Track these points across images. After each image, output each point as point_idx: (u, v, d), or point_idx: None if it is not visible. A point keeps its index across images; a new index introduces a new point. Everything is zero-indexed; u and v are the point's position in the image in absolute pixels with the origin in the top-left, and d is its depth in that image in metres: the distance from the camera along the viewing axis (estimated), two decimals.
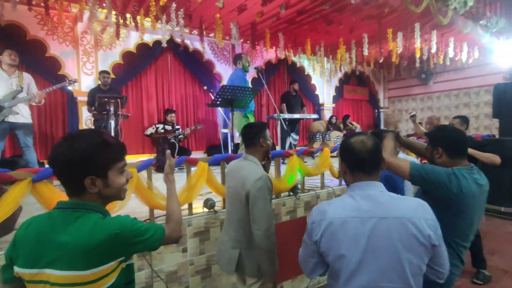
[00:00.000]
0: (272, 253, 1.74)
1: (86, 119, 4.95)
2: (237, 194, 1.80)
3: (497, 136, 5.87)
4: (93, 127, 4.72)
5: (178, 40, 5.30)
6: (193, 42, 6.06)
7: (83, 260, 0.87)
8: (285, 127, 3.85)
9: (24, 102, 3.79)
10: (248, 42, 5.96)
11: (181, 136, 5.61)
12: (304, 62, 7.66)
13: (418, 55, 6.40)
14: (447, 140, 1.59)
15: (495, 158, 2.79)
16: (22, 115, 3.80)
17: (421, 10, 4.59)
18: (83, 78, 5.04)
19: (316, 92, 8.05)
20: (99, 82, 4.68)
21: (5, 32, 4.49)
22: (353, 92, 9.06)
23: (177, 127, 5.71)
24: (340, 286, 1.09)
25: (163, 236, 1.06)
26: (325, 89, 8.20)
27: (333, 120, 7.63)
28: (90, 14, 4.29)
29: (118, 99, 3.85)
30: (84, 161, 0.91)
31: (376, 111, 9.78)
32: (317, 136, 7.22)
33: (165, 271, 2.26)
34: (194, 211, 2.50)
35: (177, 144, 5.45)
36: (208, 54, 6.37)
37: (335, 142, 6.89)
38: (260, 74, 3.91)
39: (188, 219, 2.40)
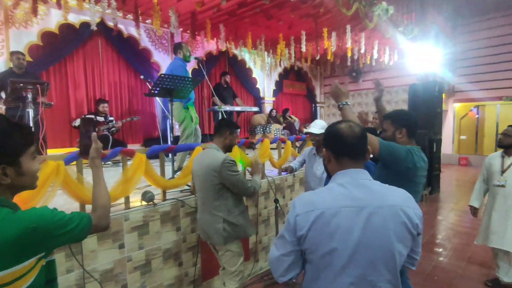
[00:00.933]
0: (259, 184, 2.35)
1: None
2: (209, 180, 2.11)
3: None
4: None
5: (110, 24, 4.88)
6: (127, 27, 5.64)
7: None
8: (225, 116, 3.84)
9: None
10: (188, 31, 5.77)
11: (113, 128, 5.21)
12: (246, 55, 7.73)
13: (349, 54, 6.97)
14: (411, 123, 1.82)
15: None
16: None
17: (351, 13, 4.99)
18: None
19: (257, 86, 8.21)
20: (11, 65, 4.06)
21: None
22: (292, 87, 9.46)
23: (110, 118, 5.28)
24: (324, 285, 1.00)
25: (90, 225, 0.99)
26: (265, 83, 8.41)
27: (273, 114, 7.89)
28: None
29: (38, 85, 3.39)
30: None
31: (313, 105, 10.38)
32: (258, 129, 7.40)
33: (100, 270, 2.11)
34: (131, 205, 2.37)
35: (110, 137, 5.05)
36: (145, 42, 6.01)
37: (275, 134, 7.14)
38: (200, 65, 3.81)
39: (125, 213, 2.26)
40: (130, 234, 2.28)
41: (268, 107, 8.34)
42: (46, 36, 4.87)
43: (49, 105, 3.88)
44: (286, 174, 3.76)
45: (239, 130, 2.32)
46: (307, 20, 5.75)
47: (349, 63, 7.63)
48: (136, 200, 2.44)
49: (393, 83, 9.30)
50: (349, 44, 6.07)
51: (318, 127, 2.79)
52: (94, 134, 1.26)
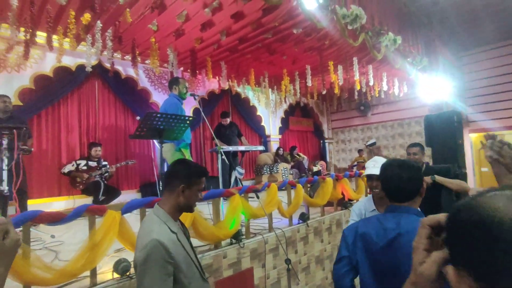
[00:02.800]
0: None
1: None
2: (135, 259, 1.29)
3: (431, 164, 6.19)
4: None
5: (107, 65, 4.69)
6: (126, 68, 5.46)
7: None
8: (226, 161, 3.38)
9: None
10: (189, 70, 5.57)
11: (107, 173, 4.78)
12: (249, 93, 7.49)
13: (358, 87, 6.66)
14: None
15: (465, 185, 2.68)
16: None
17: (358, 44, 4.72)
18: None
19: (262, 124, 7.87)
20: None
21: None
22: (299, 124, 9.11)
23: (104, 163, 4.88)
24: None
25: None
26: (270, 120, 8.07)
27: (280, 152, 7.43)
28: None
29: (14, 130, 3.03)
30: None
31: (321, 142, 9.94)
32: (265, 169, 6.89)
33: None
34: (100, 278, 1.83)
35: (102, 183, 4.59)
36: (144, 82, 5.80)
37: (283, 174, 6.62)
38: (196, 101, 3.45)
39: None
40: None
41: (274, 145, 7.91)
42: (40, 79, 4.67)
43: (28, 151, 3.50)
44: (300, 223, 3.19)
45: (204, 178, 1.47)
46: (312, 54, 5.52)
47: (356, 97, 7.30)
48: (106, 271, 1.90)
49: (404, 115, 8.89)
50: (357, 77, 5.75)
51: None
52: (1, 219, 0.70)
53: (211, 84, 6.68)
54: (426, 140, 6.31)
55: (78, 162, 4.68)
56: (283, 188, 3.11)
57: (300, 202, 3.13)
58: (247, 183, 6.94)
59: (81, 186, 4.58)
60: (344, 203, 3.80)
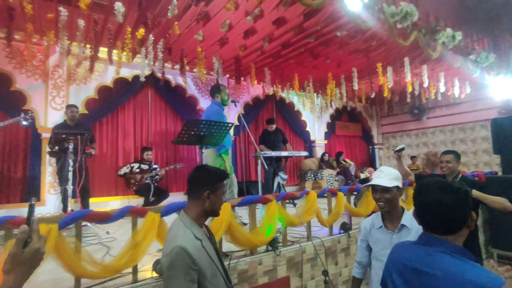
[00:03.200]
0: None
1: (50, 158, 4.46)
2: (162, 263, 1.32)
3: (499, 173, 5.47)
4: (55, 167, 4.23)
5: (159, 74, 5.04)
6: (175, 77, 5.81)
7: None
8: (265, 166, 3.39)
9: None
10: (233, 77, 5.73)
11: (157, 176, 5.11)
12: (294, 97, 7.44)
13: (410, 89, 6.21)
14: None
15: (507, 204, 2.31)
16: None
17: (409, 43, 4.40)
18: (51, 113, 4.65)
19: (307, 129, 7.73)
20: (66, 117, 4.27)
21: None
22: (346, 128, 8.77)
23: (154, 166, 5.23)
24: None
25: None
26: (316, 125, 7.90)
27: (326, 158, 7.21)
28: (60, 47, 4.01)
29: (79, 136, 3.41)
30: None
31: (371, 147, 9.43)
32: (309, 175, 6.75)
33: None
34: (141, 275, 1.95)
35: (152, 185, 4.93)
36: (192, 89, 6.11)
37: (327, 181, 6.41)
38: (236, 107, 3.52)
39: None
40: None
41: (319, 151, 7.71)
42: (102, 90, 5.18)
43: (89, 154, 3.89)
44: (341, 233, 3.05)
45: (225, 181, 1.49)
46: (358, 56, 5.29)
47: (409, 100, 6.79)
48: (147, 270, 2.02)
49: (466, 119, 8.02)
50: (408, 78, 5.36)
51: (388, 177, 1.67)
52: (23, 227, 0.74)
53: (256, 90, 6.78)
54: (494, 146, 5.61)
55: (132, 165, 5.08)
56: (324, 195, 3.01)
57: (341, 211, 2.99)
58: (290, 189, 6.87)
59: (134, 187, 4.95)
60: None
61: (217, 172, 1.47)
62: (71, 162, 3.42)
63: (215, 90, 3.58)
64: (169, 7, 3.36)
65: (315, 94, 6.89)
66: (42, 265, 1.58)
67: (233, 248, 2.45)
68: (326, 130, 8.09)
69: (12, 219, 1.59)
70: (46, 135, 4.49)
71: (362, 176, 7.38)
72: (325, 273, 2.37)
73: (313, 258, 2.70)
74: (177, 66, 5.42)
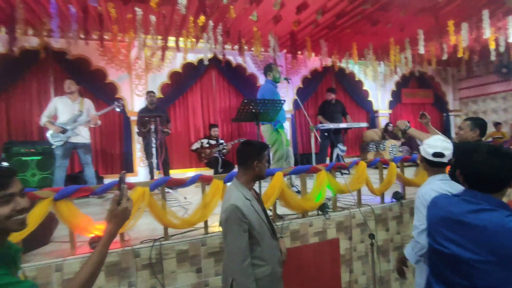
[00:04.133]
0: None
1: (138, 137, 5.36)
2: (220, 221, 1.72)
3: None
4: (142, 144, 5.10)
5: (221, 56, 5.46)
6: (236, 57, 6.17)
7: None
8: (318, 138, 3.57)
9: (84, 124, 4.27)
10: (290, 52, 5.83)
11: (224, 150, 5.70)
12: (355, 67, 7.18)
13: (492, 46, 5.48)
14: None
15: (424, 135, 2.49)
16: (82, 136, 4.28)
17: None
18: (136, 100, 5.52)
19: (369, 98, 7.45)
20: (147, 102, 5.04)
21: (74, 65, 5.18)
22: (414, 96, 8.12)
23: (221, 141, 5.82)
24: None
25: None
26: (379, 94, 7.54)
27: (390, 128, 6.92)
28: (138, 42, 4.68)
29: (157, 117, 4.08)
30: None
31: (445, 115, 8.59)
32: (370, 146, 6.63)
33: None
34: (210, 229, 2.44)
35: (220, 158, 5.54)
36: (251, 68, 6.42)
37: (390, 152, 6.22)
38: (289, 84, 3.72)
39: (203, 238, 2.34)
40: (207, 260, 2.33)
41: (383, 121, 7.41)
42: (173, 75, 5.87)
43: (167, 133, 4.58)
44: (393, 202, 3.14)
45: (267, 149, 1.83)
46: (424, 16, 4.86)
47: (493, 58, 5.97)
48: (215, 225, 2.50)
49: None
50: (488, 34, 4.75)
51: (437, 147, 1.72)
52: (116, 192, 1.08)
53: (314, 62, 6.76)
54: None
55: (202, 140, 5.74)
56: (373, 166, 3.10)
57: (392, 181, 3.05)
58: (350, 160, 6.86)
59: (205, 161, 5.64)
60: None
61: (261, 145, 1.79)
62: (153, 140, 4.13)
63: (267, 69, 3.83)
64: None
65: (377, 62, 6.56)
66: (142, 217, 2.16)
67: (287, 212, 2.79)
68: (391, 98, 7.65)
69: (116, 184, 2.19)
70: (133, 118, 5.39)
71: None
72: (371, 236, 2.57)
73: (362, 223, 2.89)
74: (236, 47, 5.78)
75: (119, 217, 1.07)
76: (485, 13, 4.63)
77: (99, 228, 2.12)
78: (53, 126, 4.05)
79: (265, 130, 3.65)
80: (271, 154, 3.81)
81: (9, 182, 0.91)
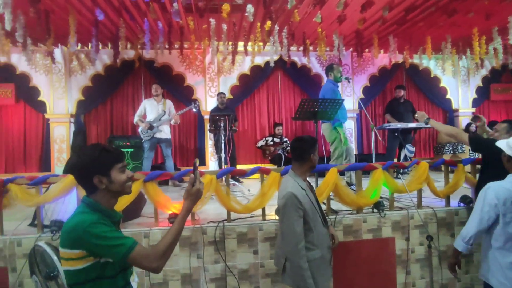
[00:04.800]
0: (305, 270, 1.75)
1: (210, 134, 5.97)
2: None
3: None
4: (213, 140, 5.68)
5: (286, 58, 5.70)
6: (301, 58, 6.34)
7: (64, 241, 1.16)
8: (379, 137, 3.53)
9: (166, 122, 5.00)
10: (358, 49, 5.74)
11: (288, 148, 5.93)
12: (430, 62, 6.65)
13: None
14: None
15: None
16: (165, 132, 5.01)
17: None
18: (209, 100, 6.14)
19: (448, 96, 6.79)
20: (217, 103, 5.59)
21: (160, 71, 6.05)
22: (507, 92, 7.07)
23: (285, 139, 6.07)
24: None
25: (128, 251, 1.13)
26: (460, 91, 6.80)
27: (473, 128, 6.20)
28: (212, 48, 5.23)
29: (226, 116, 4.53)
30: (87, 164, 1.19)
31: None
32: (446, 148, 6.06)
33: (238, 268, 2.55)
34: (267, 217, 2.71)
35: (283, 155, 5.79)
36: (316, 68, 6.50)
37: (471, 154, 5.60)
38: (350, 83, 3.74)
39: (260, 224, 2.62)
40: (263, 243, 2.60)
41: (464, 120, 6.68)
42: (242, 77, 6.34)
43: (234, 130, 5.03)
44: (460, 206, 2.96)
45: (317, 141, 2.05)
46: None
47: None
48: (271, 214, 2.76)
49: None
50: None
51: None
52: (191, 175, 1.31)
53: (382, 60, 6.50)
54: None
55: (267, 138, 6.08)
56: (437, 167, 2.96)
57: (460, 184, 2.86)
58: None
59: (269, 157, 5.96)
60: None
61: (312, 139, 2.02)
62: (222, 137, 4.61)
63: (328, 69, 3.92)
64: (288, 0, 3.88)
65: (457, 56, 5.97)
66: (210, 203, 2.55)
67: (343, 208, 2.89)
68: (476, 96, 6.82)
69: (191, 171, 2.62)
70: (206, 116, 6.02)
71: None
72: (429, 238, 2.52)
73: (422, 225, 2.81)
74: (301, 48, 5.94)
75: (194, 195, 1.30)
76: None
77: (176, 207, 2.58)
78: (143, 123, 4.84)
79: (324, 128, 3.77)
80: (331, 152, 3.90)
81: (123, 157, 1.29)
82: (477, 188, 2.53)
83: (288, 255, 1.82)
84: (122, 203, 2.46)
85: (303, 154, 1.96)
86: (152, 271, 1.19)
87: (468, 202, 2.90)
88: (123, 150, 5.08)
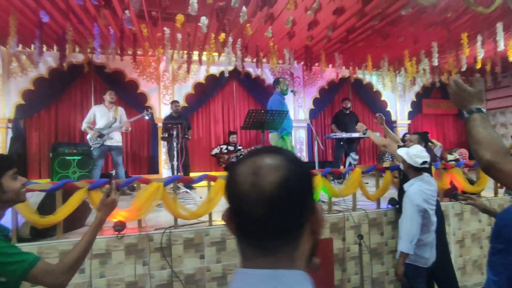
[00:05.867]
0: None
1: (163, 142, 5.92)
2: None
3: None
4: (166, 148, 5.64)
5: (241, 69, 5.90)
6: (255, 69, 6.58)
7: None
8: (322, 146, 3.84)
9: (117, 130, 4.88)
10: (307, 64, 6.13)
11: (241, 156, 6.09)
12: (372, 78, 7.31)
13: (511, 58, 5.42)
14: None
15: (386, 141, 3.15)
16: (116, 139, 4.88)
17: (491, 11, 3.98)
18: (163, 108, 6.11)
19: (388, 109, 7.51)
20: (171, 111, 5.59)
21: (111, 77, 5.89)
22: (435, 106, 8.02)
23: (239, 147, 6.23)
24: None
25: (30, 266, 1.04)
26: (398, 105, 7.57)
27: (407, 138, 6.92)
28: (166, 56, 5.25)
29: (179, 124, 4.57)
30: None
31: None
32: (386, 156, 6.68)
33: (184, 273, 2.61)
34: (213, 223, 2.81)
35: None
36: (270, 79, 6.78)
37: None
38: (295, 96, 4.03)
39: (207, 229, 2.72)
40: (210, 248, 2.69)
41: (401, 131, 7.41)
42: (197, 86, 6.41)
43: (187, 138, 5.07)
44: (388, 208, 3.33)
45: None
46: (437, 30, 4.96)
47: None
48: (218, 220, 2.87)
49: None
50: (501, 47, 4.75)
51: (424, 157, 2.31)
52: (107, 186, 1.29)
53: (331, 74, 7.00)
54: None
55: (221, 146, 6.19)
56: (370, 173, 3.32)
57: (387, 188, 3.24)
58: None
59: (223, 165, 6.07)
60: (454, 195, 3.52)
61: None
62: (175, 145, 4.62)
63: (275, 83, 4.18)
64: (240, 14, 4.09)
65: (394, 73, 6.66)
66: (159, 210, 2.58)
67: None
68: (411, 109, 7.65)
69: (139, 179, 2.64)
70: (160, 124, 5.97)
71: (450, 157, 6.79)
72: (360, 237, 2.82)
73: (356, 226, 3.11)
74: (255, 60, 6.20)
75: (108, 206, 1.27)
76: (499, 26, 4.65)
77: (122, 214, 2.57)
78: (92, 130, 4.68)
79: (272, 137, 4.00)
80: None
81: (13, 163, 1.20)
82: (400, 190, 2.90)
83: None
84: (64, 212, 2.41)
85: None
86: None
87: (395, 204, 3.28)
88: (69, 158, 4.92)
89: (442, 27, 4.88)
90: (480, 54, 5.11)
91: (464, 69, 5.92)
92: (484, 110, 1.06)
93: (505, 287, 0.93)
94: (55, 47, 5.27)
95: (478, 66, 5.65)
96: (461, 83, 1.09)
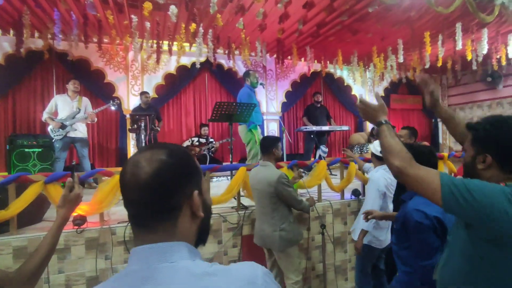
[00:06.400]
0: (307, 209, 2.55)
1: (133, 134, 5.75)
2: (265, 192, 2.41)
3: None
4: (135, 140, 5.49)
5: (212, 60, 5.81)
6: (227, 61, 6.52)
7: None
8: (290, 140, 3.91)
9: (81, 121, 4.67)
10: (279, 57, 6.16)
11: (213, 148, 6.06)
12: (343, 72, 7.49)
13: (469, 57, 5.75)
14: (504, 144, 1.05)
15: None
16: (80, 131, 4.68)
17: (451, 10, 4.19)
18: (132, 99, 5.91)
19: (358, 103, 7.74)
20: (140, 102, 5.43)
21: (75, 65, 5.59)
22: (402, 102, 8.39)
23: (210, 140, 6.18)
24: None
25: None
26: (367, 99, 7.77)
27: (375, 131, 7.20)
28: (134, 45, 5.05)
29: (147, 116, 4.46)
30: None
31: (434, 120, 8.83)
32: (356, 148, 6.92)
33: (86, 276, 2.55)
34: None
35: (208, 156, 5.90)
36: (242, 71, 6.72)
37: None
38: (264, 88, 4.05)
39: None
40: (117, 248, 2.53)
41: (370, 125, 7.69)
42: (168, 77, 6.24)
43: (156, 130, 4.97)
44: (351, 198, 3.47)
45: (280, 140, 2.66)
46: (402, 28, 5.16)
47: (474, 67, 6.22)
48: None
49: None
50: (459, 46, 5.03)
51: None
52: (69, 179, 1.15)
53: (303, 67, 7.08)
54: None
55: (193, 139, 6.12)
56: (335, 165, 3.43)
57: (350, 179, 3.37)
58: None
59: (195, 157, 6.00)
60: None
61: (274, 138, 2.70)
62: (143, 137, 4.51)
63: (245, 75, 4.18)
64: (210, 5, 4.01)
65: (364, 68, 6.85)
66: (122, 204, 2.51)
67: (252, 204, 3.13)
68: None
69: (100, 171, 2.56)
70: (128, 115, 5.78)
71: None
72: (322, 226, 2.92)
73: (320, 216, 3.22)
74: (227, 51, 6.13)
75: (72, 202, 1.13)
76: (458, 26, 4.91)
77: (82, 208, 2.49)
78: (53, 121, 4.45)
79: (241, 130, 4.01)
80: (246, 152, 4.15)
81: None
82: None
83: (295, 206, 2.51)
84: (17, 206, 2.29)
85: (268, 149, 2.54)
86: None
87: (357, 194, 3.42)
88: (28, 150, 4.65)
89: (407, 25, 5.07)
90: (441, 53, 5.38)
91: (427, 66, 6.21)
92: (388, 121, 1.23)
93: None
94: (11, 32, 4.92)
95: (440, 64, 5.95)
96: (365, 101, 1.31)
